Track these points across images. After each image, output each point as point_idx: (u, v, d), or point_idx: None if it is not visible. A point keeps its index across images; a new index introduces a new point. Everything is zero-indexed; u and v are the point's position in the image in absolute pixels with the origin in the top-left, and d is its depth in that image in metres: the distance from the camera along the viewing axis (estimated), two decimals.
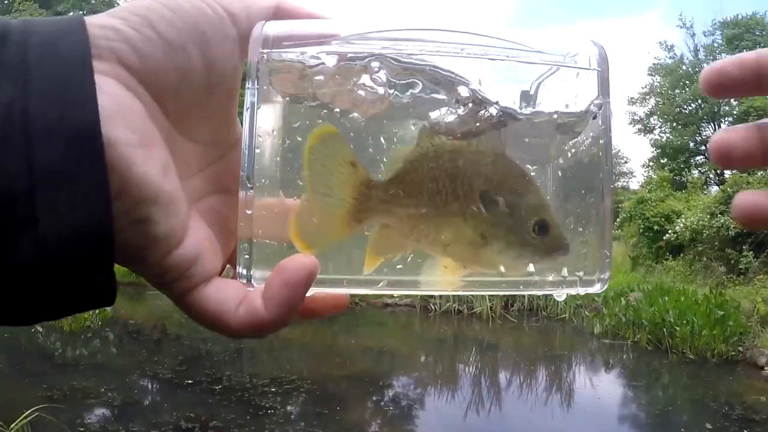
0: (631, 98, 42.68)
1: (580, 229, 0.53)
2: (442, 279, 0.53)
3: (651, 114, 42.20)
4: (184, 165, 0.49)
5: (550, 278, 0.53)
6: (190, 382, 7.28)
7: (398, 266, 0.52)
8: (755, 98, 30.85)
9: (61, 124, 0.39)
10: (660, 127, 42.08)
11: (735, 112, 37.94)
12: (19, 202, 0.38)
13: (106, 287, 0.44)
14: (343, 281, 0.51)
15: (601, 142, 0.52)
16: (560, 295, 0.54)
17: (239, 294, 0.48)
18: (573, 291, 0.54)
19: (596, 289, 0.53)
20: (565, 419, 6.85)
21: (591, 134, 0.53)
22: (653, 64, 42.39)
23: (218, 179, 0.52)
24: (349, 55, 0.50)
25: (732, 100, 38.13)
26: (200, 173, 0.51)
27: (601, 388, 8.33)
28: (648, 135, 42.40)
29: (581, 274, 0.53)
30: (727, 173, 34.83)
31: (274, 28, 0.49)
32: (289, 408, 6.67)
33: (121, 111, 0.42)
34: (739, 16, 39.05)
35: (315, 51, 0.50)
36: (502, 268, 0.52)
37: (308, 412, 6.61)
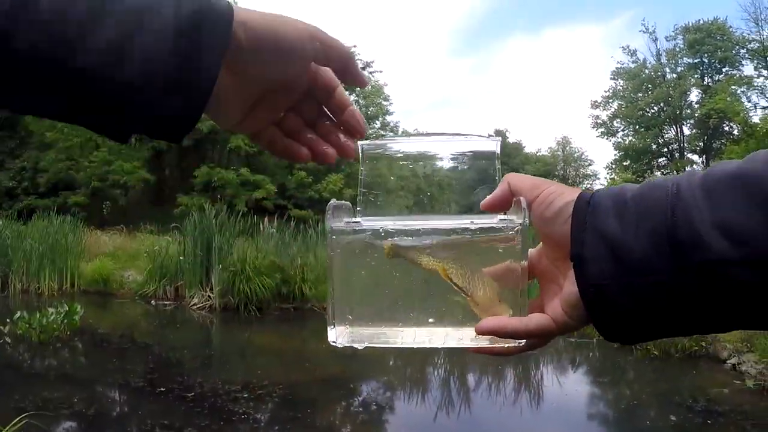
0: (595, 102, 43.20)
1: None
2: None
3: (614, 117, 42.70)
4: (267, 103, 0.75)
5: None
6: (162, 389, 7.27)
7: None
8: (716, 101, 31.37)
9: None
10: (623, 130, 42.60)
11: (696, 115, 38.54)
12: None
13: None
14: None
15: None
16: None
17: None
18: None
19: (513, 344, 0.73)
20: (533, 416, 6.96)
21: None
22: (616, 68, 42.91)
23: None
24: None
25: (693, 102, 38.69)
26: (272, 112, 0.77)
27: (568, 385, 8.46)
28: (611, 138, 42.90)
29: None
30: None
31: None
32: (262, 414, 6.69)
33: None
34: (701, 21, 39.54)
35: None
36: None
37: (281, 417, 6.63)
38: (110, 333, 10.90)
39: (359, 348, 0.73)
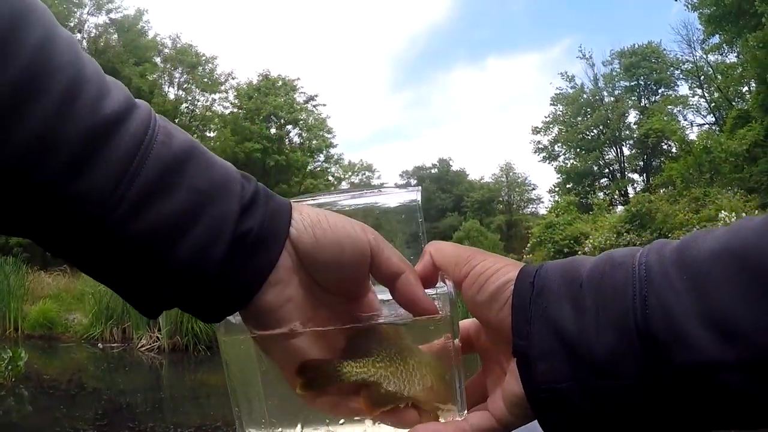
0: (535, 128, 43.90)
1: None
2: None
3: (555, 141, 43.43)
4: (314, 299, 0.63)
5: None
6: None
7: None
8: (653, 121, 32.23)
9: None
10: (564, 154, 43.36)
11: (635, 136, 39.49)
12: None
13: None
14: None
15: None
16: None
17: None
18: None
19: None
20: None
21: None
22: (555, 94, 43.70)
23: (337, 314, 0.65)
24: None
25: (632, 123, 39.66)
26: (325, 308, 0.64)
27: None
28: (553, 162, 43.61)
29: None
30: (631, 192, 36.18)
31: None
32: None
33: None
34: (636, 45, 40.61)
35: None
36: None
37: None
38: (57, 378, 10.60)
39: None
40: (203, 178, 0.58)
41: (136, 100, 0.60)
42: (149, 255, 0.56)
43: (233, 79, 43.56)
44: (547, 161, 43.85)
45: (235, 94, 43.54)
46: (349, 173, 50.36)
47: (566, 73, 43.15)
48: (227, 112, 42.94)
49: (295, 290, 0.61)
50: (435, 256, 0.65)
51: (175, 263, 0.57)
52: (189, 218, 0.57)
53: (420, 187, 0.73)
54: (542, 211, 45.53)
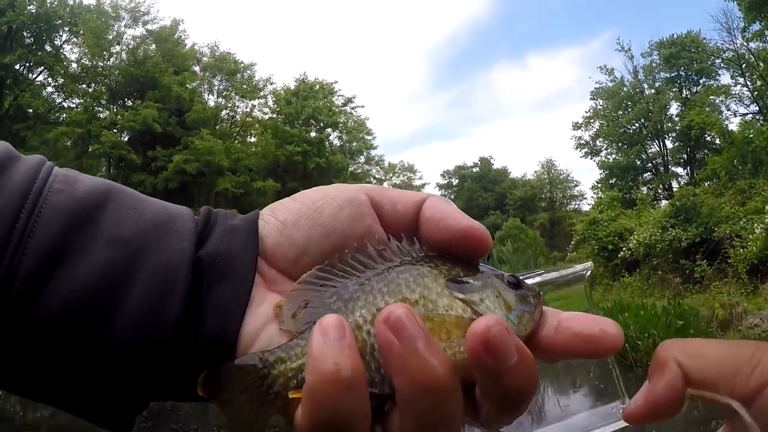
0: (576, 123, 43.39)
1: None
2: None
3: (596, 137, 42.86)
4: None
5: None
6: None
7: None
8: (692, 113, 31.60)
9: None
10: (606, 149, 42.76)
11: (678, 128, 38.77)
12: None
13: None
14: None
15: None
16: None
17: None
18: None
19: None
20: None
21: None
22: (595, 88, 43.14)
23: None
24: None
25: (674, 116, 38.98)
26: None
27: (572, 407, 8.38)
28: (595, 158, 43.03)
29: None
30: (675, 187, 35.55)
31: None
32: None
33: None
34: (675, 35, 39.86)
35: None
36: None
37: None
38: None
39: None
40: (129, 225, 0.49)
41: (28, 156, 0.51)
42: (71, 341, 0.46)
43: (272, 84, 43.96)
44: (589, 157, 43.32)
45: (274, 99, 43.87)
46: (390, 174, 50.41)
47: (605, 66, 42.48)
48: (266, 117, 43.28)
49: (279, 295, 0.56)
50: (688, 364, 0.47)
51: (110, 345, 0.47)
52: (117, 280, 0.47)
53: (591, 264, 0.68)
54: (585, 207, 45.15)
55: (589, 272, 0.65)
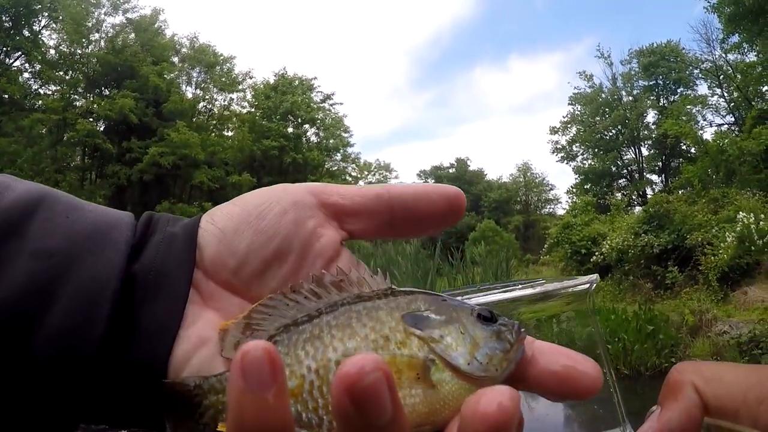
0: (553, 128, 43.62)
1: None
2: None
3: (573, 142, 43.13)
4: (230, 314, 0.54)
5: None
6: None
7: None
8: (667, 123, 31.87)
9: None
10: (582, 154, 43.05)
11: (654, 136, 39.18)
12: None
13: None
14: None
15: None
16: None
17: None
18: None
19: None
20: None
21: None
22: (573, 93, 43.40)
23: None
24: None
25: (650, 123, 39.35)
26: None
27: (539, 409, 8.42)
28: (571, 162, 43.30)
29: None
30: (650, 193, 35.89)
31: None
32: None
33: None
34: (654, 44, 40.21)
35: None
36: None
37: None
38: None
39: None
40: (57, 236, 0.47)
41: None
42: None
43: (251, 78, 43.80)
44: (565, 161, 43.54)
45: (253, 93, 43.73)
46: (366, 173, 50.38)
47: (584, 72, 42.75)
48: (245, 111, 43.13)
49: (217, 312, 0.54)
50: (705, 390, 0.43)
51: (30, 359, 0.45)
52: (36, 296, 0.45)
53: (596, 276, 0.67)
54: (560, 211, 45.43)
55: (593, 286, 0.62)
